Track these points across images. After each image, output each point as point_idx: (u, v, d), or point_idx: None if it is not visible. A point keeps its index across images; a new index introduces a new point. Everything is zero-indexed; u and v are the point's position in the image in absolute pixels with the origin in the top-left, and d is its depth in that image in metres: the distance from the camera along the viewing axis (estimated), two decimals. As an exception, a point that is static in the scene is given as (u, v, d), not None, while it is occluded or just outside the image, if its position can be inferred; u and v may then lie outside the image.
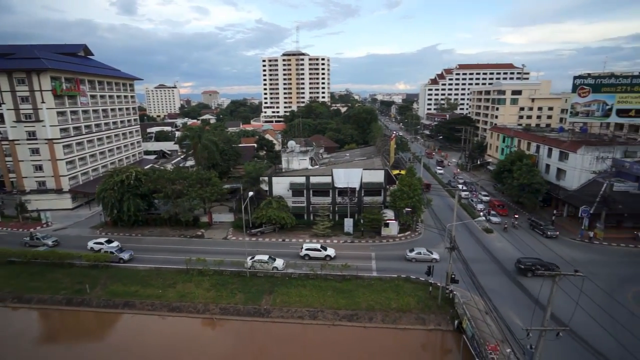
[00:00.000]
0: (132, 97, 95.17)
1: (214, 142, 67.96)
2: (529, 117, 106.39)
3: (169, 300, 39.73)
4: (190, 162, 78.60)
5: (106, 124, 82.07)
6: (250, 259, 44.92)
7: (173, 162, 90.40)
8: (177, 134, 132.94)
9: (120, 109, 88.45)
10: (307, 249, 48.06)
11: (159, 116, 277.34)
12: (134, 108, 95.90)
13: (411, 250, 47.84)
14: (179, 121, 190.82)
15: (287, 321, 36.83)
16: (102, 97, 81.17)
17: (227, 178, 74.63)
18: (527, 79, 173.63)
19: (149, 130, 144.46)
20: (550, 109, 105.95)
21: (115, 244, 50.53)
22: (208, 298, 39.73)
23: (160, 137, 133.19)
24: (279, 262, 44.59)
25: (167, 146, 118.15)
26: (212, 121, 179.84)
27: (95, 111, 77.99)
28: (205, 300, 39.45)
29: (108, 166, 77.15)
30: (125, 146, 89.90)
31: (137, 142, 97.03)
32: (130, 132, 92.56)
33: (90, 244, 50.86)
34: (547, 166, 67.12)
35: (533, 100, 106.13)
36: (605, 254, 47.82)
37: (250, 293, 40.31)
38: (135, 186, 56.37)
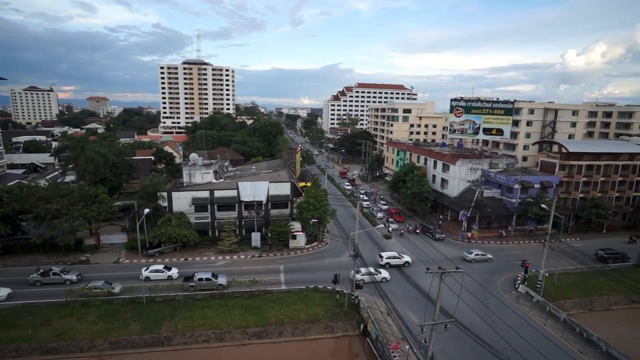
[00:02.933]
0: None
1: (102, 154, 60.31)
2: (418, 132, 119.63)
3: (41, 341, 33.38)
4: (71, 177, 68.27)
5: (-48, 131, 66.64)
6: (363, 274, 43.93)
7: (48, 177, 77.54)
8: (55, 144, 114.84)
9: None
10: (387, 258, 49.30)
11: (29, 123, 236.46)
12: (-7, 113, 79.97)
13: (469, 253, 52.18)
14: (57, 130, 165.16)
15: (191, 347, 34.13)
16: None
17: (119, 194, 66.91)
18: (416, 99, 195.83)
19: (15, 139, 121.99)
20: (435, 126, 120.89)
21: (174, 270, 45.09)
22: (95, 332, 34.58)
23: (32, 148, 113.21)
24: (386, 274, 45.41)
25: (41, 158, 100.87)
26: (101, 131, 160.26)
27: None
28: (91, 335, 34.22)
29: (-45, 183, 62.45)
30: (-20, 159, 74.19)
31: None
32: (-13, 142, 76.84)
33: (146, 273, 43.21)
34: (434, 176, 76.05)
35: (420, 118, 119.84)
36: (480, 250, 55.69)
37: (148, 321, 36.34)
38: (-5, 207, 46.66)
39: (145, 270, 43.92)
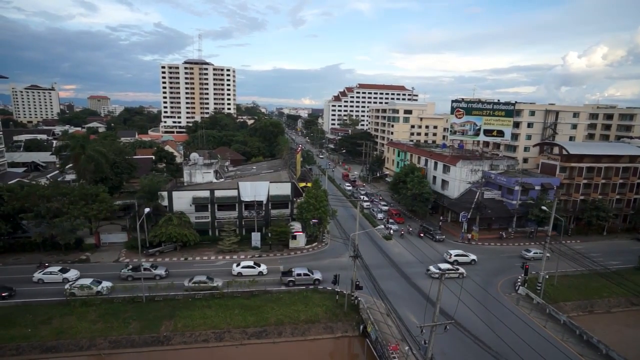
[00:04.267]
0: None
1: (103, 153, 60.27)
2: (419, 134, 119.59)
3: (41, 339, 33.42)
4: (72, 176, 68.26)
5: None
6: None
7: (49, 175, 77.65)
8: (56, 143, 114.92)
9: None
10: (455, 255, 51.10)
11: (30, 122, 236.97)
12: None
13: (528, 251, 54.60)
14: (58, 128, 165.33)
15: (190, 347, 34.15)
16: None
17: (120, 193, 66.90)
18: (416, 100, 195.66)
19: (16, 138, 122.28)
20: (435, 127, 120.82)
21: (264, 266, 46.73)
22: (95, 331, 34.62)
23: (32, 146, 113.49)
24: (462, 270, 46.95)
25: (41, 157, 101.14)
26: (102, 130, 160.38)
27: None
28: (91, 334, 34.26)
29: (-45, 181, 62.46)
30: (-20, 157, 74.22)
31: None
32: (-12, 140, 76.89)
33: (237, 268, 45.69)
34: (434, 178, 76.02)
35: (421, 119, 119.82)
36: (480, 252, 55.67)
37: (147, 320, 36.36)
38: (-5, 205, 46.68)
39: (237, 266, 46.10)
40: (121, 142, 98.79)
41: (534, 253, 53.77)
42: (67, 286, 40.06)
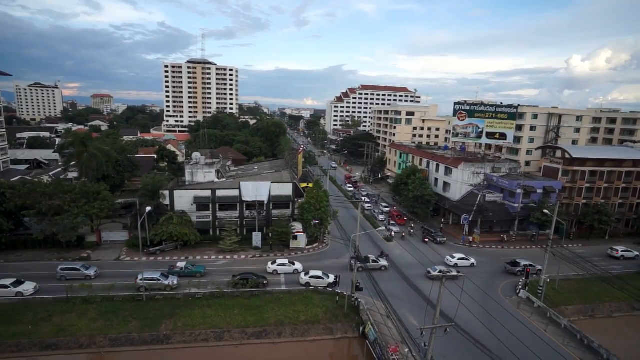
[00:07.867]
0: (-5, 95, 79.74)
1: (105, 151, 60.49)
2: (421, 135, 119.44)
3: (41, 336, 33.45)
4: (74, 174, 68.46)
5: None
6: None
7: (51, 173, 77.89)
8: (58, 141, 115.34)
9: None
10: (622, 251, 56.86)
11: (33, 120, 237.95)
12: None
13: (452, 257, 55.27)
14: (61, 126, 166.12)
15: (190, 346, 34.13)
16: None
17: (121, 192, 67.11)
18: (419, 102, 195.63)
19: (19, 135, 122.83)
20: (438, 129, 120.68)
21: (472, 260, 51.44)
22: (94, 329, 34.62)
23: (35, 144, 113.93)
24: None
25: (44, 155, 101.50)
26: (104, 128, 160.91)
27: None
28: (90, 332, 34.27)
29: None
30: (-17, 154, 74.47)
31: (1, 149, 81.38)
32: (-9, 137, 77.15)
33: (454, 260, 50.44)
34: (436, 180, 75.90)
35: (424, 121, 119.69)
36: (481, 255, 55.56)
37: (148, 319, 36.35)
38: (-3, 202, 46.84)
39: (453, 258, 50.74)
40: (123, 140, 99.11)
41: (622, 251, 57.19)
42: (302, 276, 44.05)
